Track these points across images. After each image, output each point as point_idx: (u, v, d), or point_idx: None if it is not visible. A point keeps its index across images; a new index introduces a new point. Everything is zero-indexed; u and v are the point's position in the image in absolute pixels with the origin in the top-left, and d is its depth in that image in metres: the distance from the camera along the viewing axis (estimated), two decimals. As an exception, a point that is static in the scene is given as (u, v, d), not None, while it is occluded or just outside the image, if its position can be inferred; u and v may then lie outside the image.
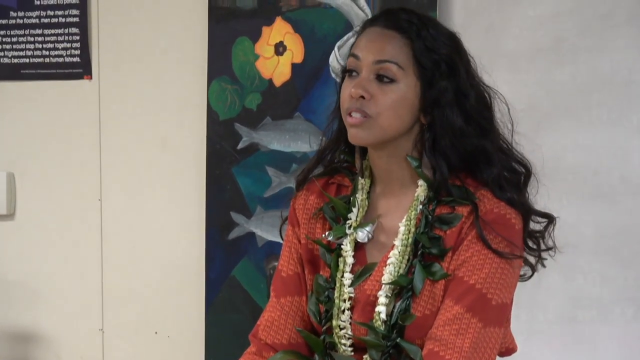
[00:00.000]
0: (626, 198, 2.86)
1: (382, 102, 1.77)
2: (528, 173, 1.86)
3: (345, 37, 3.09)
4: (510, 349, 1.93)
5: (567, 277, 2.90)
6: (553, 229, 1.88)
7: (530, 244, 1.85)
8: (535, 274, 1.90)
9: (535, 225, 1.87)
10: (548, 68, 2.90)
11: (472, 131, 1.79)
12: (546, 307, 2.93)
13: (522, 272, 1.87)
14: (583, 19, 2.87)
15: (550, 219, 1.87)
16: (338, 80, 3.02)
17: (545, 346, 2.94)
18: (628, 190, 2.86)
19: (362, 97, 1.77)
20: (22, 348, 3.57)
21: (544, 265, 1.89)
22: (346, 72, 1.83)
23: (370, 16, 3.01)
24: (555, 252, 1.89)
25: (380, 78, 1.78)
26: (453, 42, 1.82)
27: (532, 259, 1.87)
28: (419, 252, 1.78)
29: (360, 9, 3.07)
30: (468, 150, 1.79)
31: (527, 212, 1.82)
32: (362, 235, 1.84)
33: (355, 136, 1.79)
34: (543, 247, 1.87)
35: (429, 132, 1.80)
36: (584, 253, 2.88)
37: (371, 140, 1.79)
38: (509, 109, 1.86)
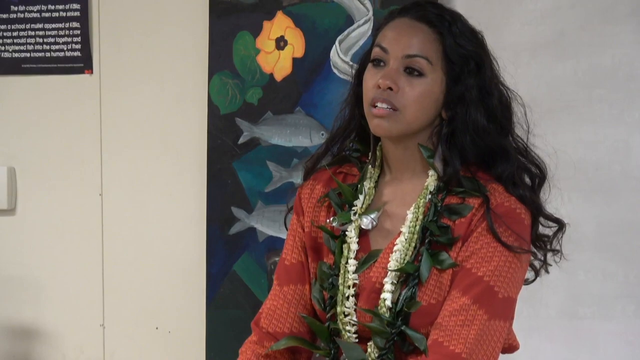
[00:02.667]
0: (628, 194, 2.86)
1: (409, 95, 1.76)
2: (543, 175, 1.86)
3: (346, 32, 3.09)
4: (513, 347, 1.93)
5: (568, 273, 2.88)
6: (562, 235, 1.87)
7: (538, 245, 1.86)
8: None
9: (545, 230, 1.87)
10: (549, 63, 2.90)
11: (494, 129, 1.79)
12: (547, 303, 2.93)
13: (525, 277, 1.87)
14: (584, 13, 2.86)
15: (560, 224, 1.87)
16: (339, 75, 3.03)
17: (546, 342, 2.94)
18: (629, 185, 2.85)
19: (390, 88, 1.76)
20: (23, 343, 3.57)
21: (547, 272, 1.89)
22: (370, 60, 1.82)
23: (370, 10, 3.03)
24: (560, 258, 1.89)
25: (409, 71, 1.77)
26: (478, 40, 1.83)
27: (537, 263, 1.88)
28: (427, 241, 1.78)
29: (361, 3, 3.06)
30: (488, 147, 1.79)
31: (537, 210, 1.82)
32: (366, 221, 1.84)
33: (380, 126, 1.78)
34: (549, 250, 1.87)
35: (447, 127, 1.80)
36: (585, 249, 2.87)
37: (395, 133, 1.79)
38: (525, 111, 1.86)
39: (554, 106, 2.89)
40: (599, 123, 2.87)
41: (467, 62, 1.78)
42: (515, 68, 2.83)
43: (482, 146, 1.79)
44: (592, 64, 2.86)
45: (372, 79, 1.79)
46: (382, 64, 1.80)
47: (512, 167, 1.79)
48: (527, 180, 1.84)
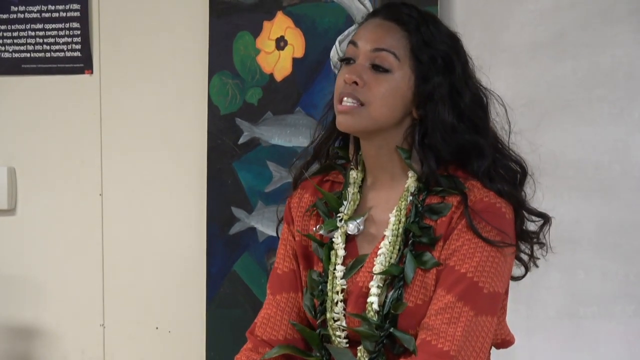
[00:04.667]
0: (627, 193, 2.86)
1: (374, 90, 1.78)
2: (524, 172, 1.87)
3: (346, 32, 3.09)
4: (507, 341, 1.93)
5: (568, 272, 2.90)
6: (548, 229, 1.88)
7: (523, 243, 1.86)
8: (537, 269, 1.91)
9: (531, 226, 1.87)
10: (549, 63, 2.90)
11: (464, 128, 1.80)
12: (547, 302, 2.93)
13: (517, 274, 1.88)
14: (584, 13, 2.86)
15: (545, 218, 1.88)
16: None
17: (546, 342, 2.94)
18: (629, 185, 2.86)
19: (356, 83, 1.78)
20: (23, 343, 3.57)
21: (536, 265, 1.89)
22: (344, 60, 1.84)
23: (371, 10, 3.03)
24: (547, 251, 1.89)
25: (375, 67, 1.79)
26: (452, 41, 1.84)
27: (525, 257, 1.88)
28: (410, 242, 1.79)
29: (361, 3, 3.07)
30: (459, 145, 1.80)
31: (518, 204, 1.83)
32: (352, 227, 1.85)
33: (343, 123, 1.80)
34: (536, 246, 1.87)
35: (419, 126, 1.81)
36: (585, 249, 2.88)
37: (358, 128, 1.80)
38: (506, 111, 1.86)
39: (553, 106, 2.89)
40: (599, 123, 2.87)
41: (435, 61, 1.79)
42: (515, 69, 2.87)
43: (453, 144, 1.79)
44: (592, 64, 2.86)
45: (341, 76, 1.81)
46: (352, 61, 1.81)
47: (487, 162, 1.80)
48: (508, 176, 1.84)
